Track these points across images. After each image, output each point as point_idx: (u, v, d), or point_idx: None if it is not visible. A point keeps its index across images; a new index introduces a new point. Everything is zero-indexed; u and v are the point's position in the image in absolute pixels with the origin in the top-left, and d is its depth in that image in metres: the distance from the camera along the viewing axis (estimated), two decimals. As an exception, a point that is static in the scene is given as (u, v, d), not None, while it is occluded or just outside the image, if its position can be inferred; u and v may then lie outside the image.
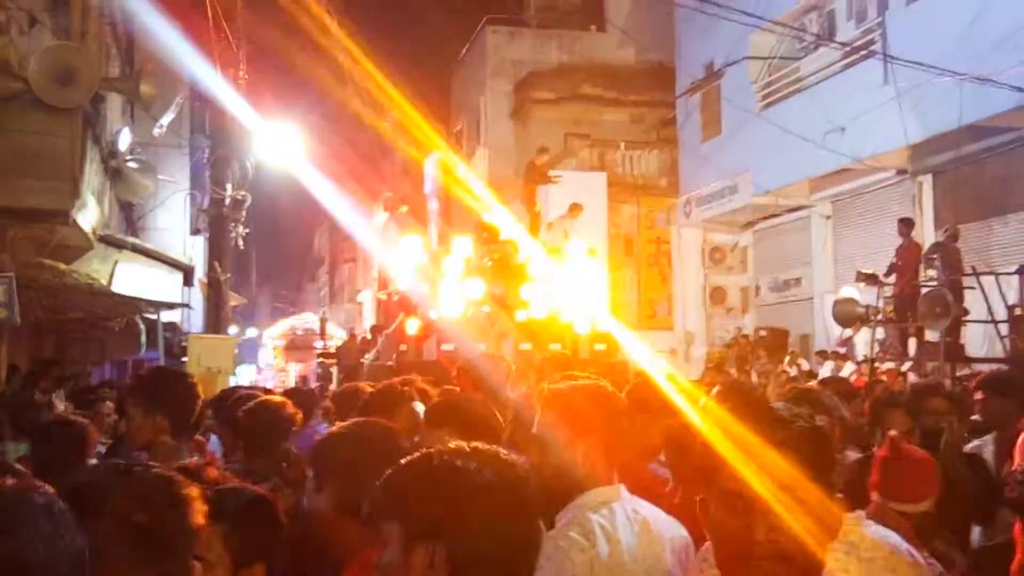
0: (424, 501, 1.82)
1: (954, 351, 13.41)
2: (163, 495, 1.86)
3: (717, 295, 24.32)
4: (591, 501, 2.81)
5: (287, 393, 6.84)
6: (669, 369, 5.59)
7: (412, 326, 14.10)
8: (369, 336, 18.29)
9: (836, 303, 15.52)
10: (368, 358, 15.62)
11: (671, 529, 2.90)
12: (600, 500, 2.82)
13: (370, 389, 5.33)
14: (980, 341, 14.91)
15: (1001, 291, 13.74)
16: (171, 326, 18.57)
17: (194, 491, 1.92)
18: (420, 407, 4.43)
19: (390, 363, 13.47)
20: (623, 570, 2.71)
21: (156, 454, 3.90)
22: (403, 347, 13.75)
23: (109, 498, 1.81)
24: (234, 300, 22.12)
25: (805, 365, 18.90)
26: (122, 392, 9.58)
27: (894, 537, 2.47)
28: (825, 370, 17.63)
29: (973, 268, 13.67)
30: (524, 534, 1.87)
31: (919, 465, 3.44)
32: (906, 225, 15.26)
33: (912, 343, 14.93)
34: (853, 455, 4.71)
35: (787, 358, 20.16)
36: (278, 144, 19.02)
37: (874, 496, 3.38)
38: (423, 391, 5.09)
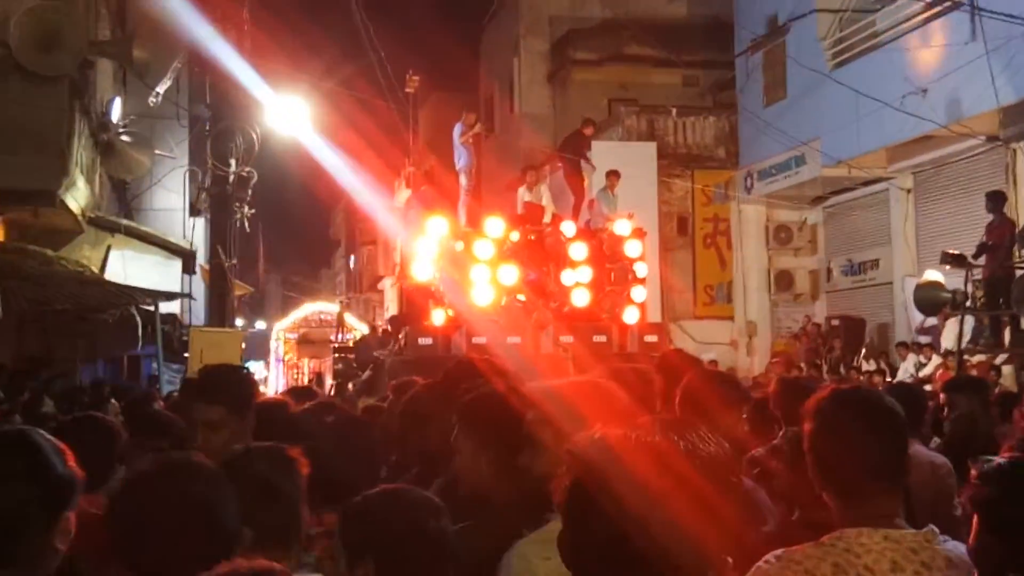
0: None
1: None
2: (277, 459, 2.92)
3: (783, 279, 24.19)
4: None
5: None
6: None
7: (438, 317, 14.13)
8: (389, 328, 18.35)
9: (918, 288, 15.40)
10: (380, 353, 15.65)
11: None
12: None
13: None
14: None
15: (1107, 273, 13.58)
16: (170, 318, 18.73)
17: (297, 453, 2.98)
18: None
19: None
20: None
21: None
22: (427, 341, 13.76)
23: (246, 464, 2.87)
24: (240, 289, 22.29)
25: (866, 366, 18.84)
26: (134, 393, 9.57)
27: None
28: (908, 364, 17.52)
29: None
30: None
31: None
32: (996, 199, 15.08)
33: (1006, 333, 14.79)
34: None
35: (863, 351, 20.05)
36: (288, 114, 19.09)
37: None
38: None
